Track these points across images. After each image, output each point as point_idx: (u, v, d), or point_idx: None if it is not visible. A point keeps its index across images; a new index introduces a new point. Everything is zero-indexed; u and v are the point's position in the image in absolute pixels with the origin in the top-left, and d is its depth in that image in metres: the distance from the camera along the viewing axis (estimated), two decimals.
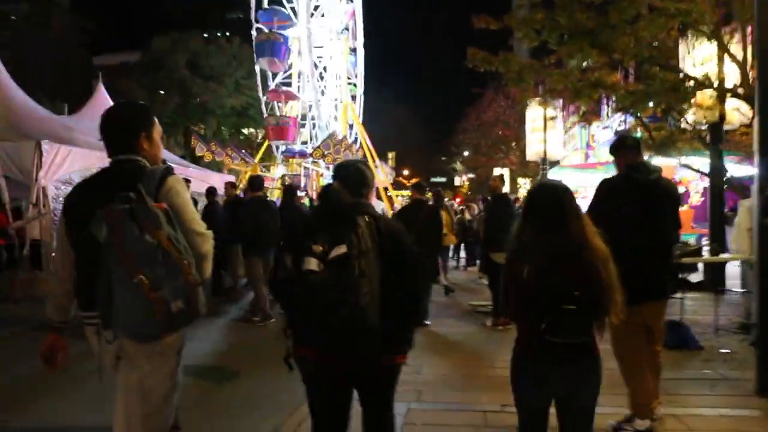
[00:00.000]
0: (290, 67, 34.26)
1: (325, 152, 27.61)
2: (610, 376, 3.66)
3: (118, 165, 2.92)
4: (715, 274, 11.93)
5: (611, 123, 24.28)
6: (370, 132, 39.48)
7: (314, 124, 34.82)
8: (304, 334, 2.99)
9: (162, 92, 43.61)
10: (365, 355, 2.94)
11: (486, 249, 9.50)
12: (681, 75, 10.84)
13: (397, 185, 50.00)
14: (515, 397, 3.16)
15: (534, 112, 21.57)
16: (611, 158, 4.92)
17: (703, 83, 10.59)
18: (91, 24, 74.09)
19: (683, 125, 11.96)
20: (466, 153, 54.53)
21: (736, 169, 22.31)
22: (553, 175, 22.79)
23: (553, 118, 21.41)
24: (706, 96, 12.00)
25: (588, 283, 2.83)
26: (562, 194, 3.03)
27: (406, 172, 61.76)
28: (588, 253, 2.89)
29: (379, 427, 3.23)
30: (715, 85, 10.74)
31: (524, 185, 46.89)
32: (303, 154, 31.54)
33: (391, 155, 52.52)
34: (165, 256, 2.53)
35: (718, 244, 12.98)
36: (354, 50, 38.69)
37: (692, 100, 12.00)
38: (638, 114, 12.71)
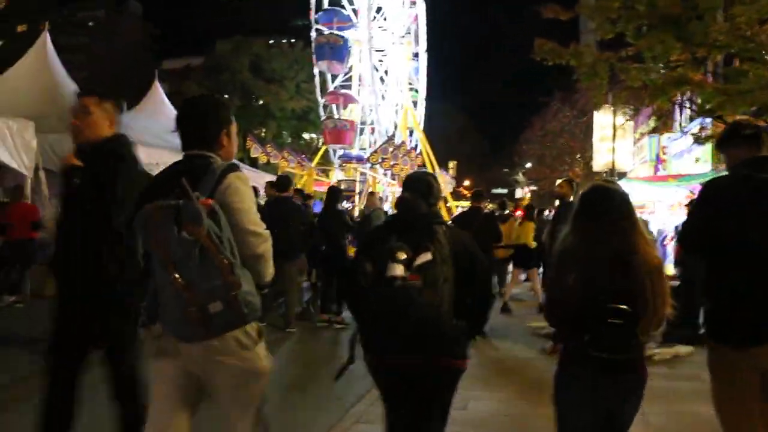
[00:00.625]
0: (350, 69, 33.56)
1: (383, 157, 26.77)
2: None
3: (188, 161, 2.80)
4: None
5: (687, 132, 22.64)
6: (431, 140, 38.51)
7: (373, 129, 33.97)
8: (378, 341, 3.07)
9: (225, 96, 43.68)
10: (436, 357, 3.01)
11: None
12: None
13: (457, 195, 48.77)
14: (557, 416, 2.95)
15: (603, 119, 20.16)
16: (685, 171, 3.74)
17: None
18: (159, 30, 75.61)
19: None
20: (528, 164, 52.98)
21: None
22: (623, 187, 21.39)
23: (623, 126, 19.97)
24: None
25: (636, 296, 2.69)
26: (616, 197, 2.92)
27: (467, 183, 60.42)
28: (639, 262, 2.74)
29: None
30: None
31: None
32: (360, 159, 30.66)
33: (452, 164, 51.23)
34: (203, 254, 2.42)
35: None
36: (416, 55, 37.75)
37: None
38: (723, 117, 11.38)
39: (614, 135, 19.60)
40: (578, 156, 44.60)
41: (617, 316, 2.66)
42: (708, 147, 21.16)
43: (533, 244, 11.46)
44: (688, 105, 12.50)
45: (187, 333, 2.55)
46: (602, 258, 2.76)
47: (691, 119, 20.00)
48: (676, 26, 8.93)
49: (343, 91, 33.62)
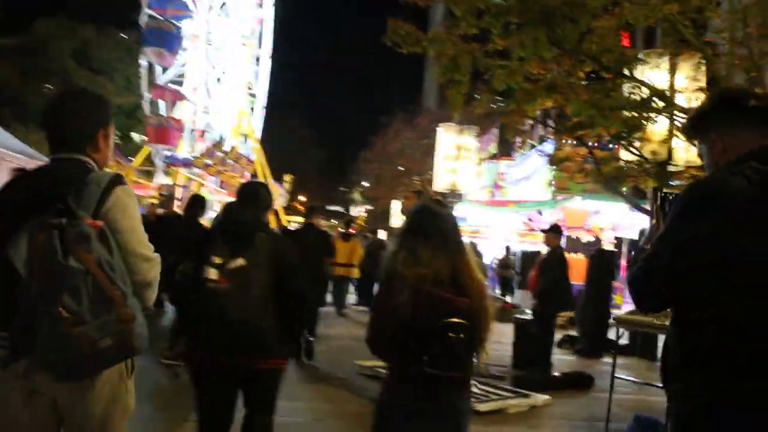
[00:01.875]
0: (184, 65, 30.36)
1: (208, 161, 24.25)
2: None
3: (59, 166, 2.39)
4: None
5: (530, 155, 22.24)
6: (268, 150, 36.31)
7: (203, 133, 30.95)
8: (196, 338, 3.30)
9: (44, 84, 38.65)
10: (252, 357, 3.25)
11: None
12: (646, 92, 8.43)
13: (292, 210, 46.81)
14: None
15: (447, 137, 19.06)
16: (526, 197, 2.49)
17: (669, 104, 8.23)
18: None
19: (646, 155, 9.66)
20: (366, 183, 52.11)
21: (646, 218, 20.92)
22: (459, 210, 20.38)
23: (466, 147, 18.99)
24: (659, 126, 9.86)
25: (471, 313, 2.64)
26: (444, 217, 2.84)
27: (302, 198, 58.58)
28: (467, 282, 2.71)
29: (258, 430, 3.53)
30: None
31: None
32: (187, 163, 27.48)
33: (287, 178, 48.99)
34: (93, 285, 2.14)
35: None
36: (258, 60, 35.41)
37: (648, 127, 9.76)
38: (582, 140, 10.32)
39: (458, 155, 18.46)
40: (415, 178, 44.32)
41: (457, 331, 2.57)
42: (549, 175, 20.88)
43: None
44: (549, 123, 11.29)
45: (68, 371, 2.25)
46: (432, 277, 2.65)
47: (541, 141, 19.35)
48: (550, 26, 7.58)
49: (173, 86, 30.16)
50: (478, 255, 16.89)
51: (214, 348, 3.19)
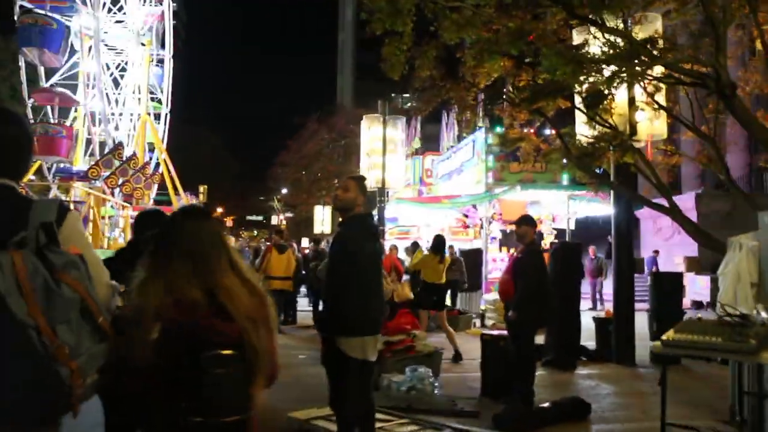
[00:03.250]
0: (74, 66, 26.79)
1: (104, 172, 21.26)
2: None
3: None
4: None
5: (459, 149, 20.42)
6: (177, 159, 33.34)
7: (103, 142, 27.50)
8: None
9: None
10: None
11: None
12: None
13: None
14: None
15: (372, 131, 17.05)
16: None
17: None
18: None
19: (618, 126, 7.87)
20: (284, 190, 49.60)
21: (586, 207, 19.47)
22: (390, 209, 18.35)
23: (393, 140, 17.00)
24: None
25: (241, 342, 2.11)
26: (193, 230, 2.25)
27: (219, 210, 55.27)
28: (233, 303, 2.14)
29: None
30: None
31: None
32: (83, 176, 23.69)
33: (202, 189, 45.76)
34: (83, 313, 1.98)
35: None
36: (161, 62, 32.33)
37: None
38: (542, 111, 8.48)
39: (384, 149, 16.47)
40: (336, 181, 42.24)
41: (219, 365, 2.04)
42: (482, 167, 19.20)
43: None
44: (505, 93, 9.35)
45: (42, 416, 1.94)
46: (187, 305, 2.08)
47: (472, 129, 17.50)
48: None
49: (60, 89, 26.38)
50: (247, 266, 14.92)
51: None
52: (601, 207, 18.10)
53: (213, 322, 2.10)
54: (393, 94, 37.61)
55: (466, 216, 18.89)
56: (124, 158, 20.81)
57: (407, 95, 19.89)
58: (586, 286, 19.08)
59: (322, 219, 41.85)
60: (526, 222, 7.09)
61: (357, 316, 4.23)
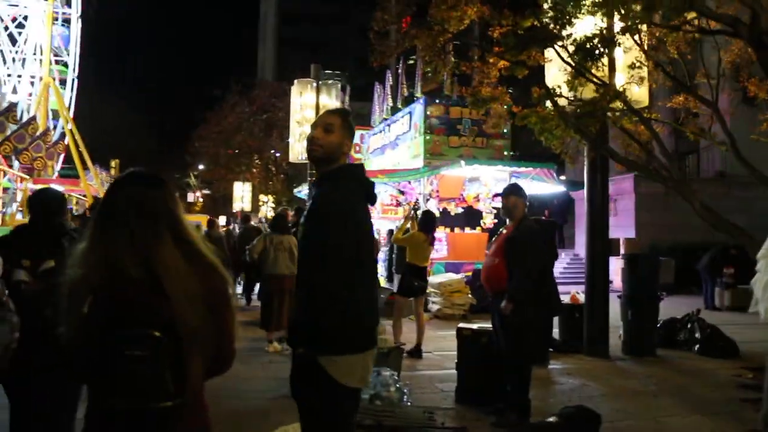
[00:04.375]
0: None
1: (18, 146, 18.77)
2: None
3: None
4: None
5: (393, 121, 18.89)
6: (85, 131, 30.35)
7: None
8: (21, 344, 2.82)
9: None
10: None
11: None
12: None
13: None
14: None
15: (304, 97, 15.29)
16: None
17: None
18: None
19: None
20: (201, 166, 46.78)
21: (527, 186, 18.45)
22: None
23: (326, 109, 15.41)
24: None
25: (173, 321, 1.85)
26: (130, 194, 1.99)
27: None
28: (163, 273, 1.89)
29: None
30: None
31: (267, 203, 40.70)
32: None
33: (114, 163, 42.38)
34: None
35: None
36: (67, 22, 29.09)
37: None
38: (526, 63, 7.09)
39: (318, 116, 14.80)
40: (255, 157, 40.01)
41: (140, 347, 1.80)
42: (419, 140, 17.80)
43: None
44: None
45: None
46: (120, 275, 1.86)
47: (409, 101, 15.99)
48: None
49: None
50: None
51: (36, 350, 2.93)
52: (544, 186, 17.12)
53: (143, 297, 1.85)
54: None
55: (402, 192, 17.49)
56: (20, 123, 18.15)
57: (337, 72, 18.08)
58: None
59: (242, 196, 39.73)
60: (515, 192, 5.68)
61: (356, 322, 2.69)
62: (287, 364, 2.87)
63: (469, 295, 12.51)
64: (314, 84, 14.93)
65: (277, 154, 39.17)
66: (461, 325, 6.66)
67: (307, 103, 15.16)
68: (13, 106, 19.47)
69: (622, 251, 19.82)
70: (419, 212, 9.75)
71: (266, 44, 59.79)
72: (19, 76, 26.57)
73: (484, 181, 17.33)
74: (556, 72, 7.85)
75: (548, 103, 7.66)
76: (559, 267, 22.10)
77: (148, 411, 1.84)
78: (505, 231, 5.70)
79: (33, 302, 2.87)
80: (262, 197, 41.06)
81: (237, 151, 39.83)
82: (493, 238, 5.88)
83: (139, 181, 2.03)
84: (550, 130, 7.81)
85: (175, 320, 1.84)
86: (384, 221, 19.18)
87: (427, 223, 8.63)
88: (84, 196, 27.14)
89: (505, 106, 8.41)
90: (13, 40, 26.48)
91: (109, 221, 1.96)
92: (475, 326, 6.36)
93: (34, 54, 26.47)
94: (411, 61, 19.78)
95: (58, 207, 3.48)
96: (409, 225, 9.09)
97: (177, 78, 64.86)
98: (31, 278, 3.07)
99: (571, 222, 24.90)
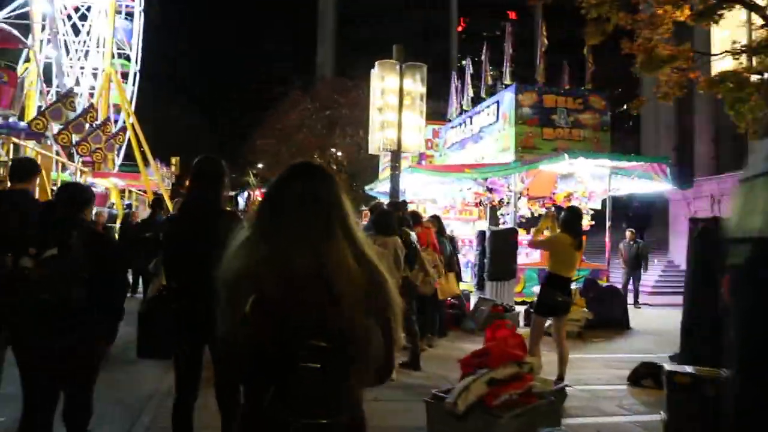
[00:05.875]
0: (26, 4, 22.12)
1: (75, 137, 17.45)
2: None
3: None
4: None
5: (476, 113, 16.85)
6: (146, 126, 29.28)
7: (57, 93, 22.90)
8: (20, 325, 3.32)
9: None
10: (71, 338, 3.29)
11: None
12: None
13: (180, 196, 39.47)
14: None
15: (386, 81, 13.43)
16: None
17: None
18: None
19: None
20: (260, 165, 45.51)
21: (629, 184, 16.17)
22: (406, 180, 14.69)
23: (410, 94, 13.40)
24: None
25: (344, 331, 1.70)
26: (310, 183, 1.86)
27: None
28: (344, 284, 1.73)
29: (81, 406, 3.54)
30: None
31: None
32: (13, 127, 18.18)
33: (174, 161, 41.42)
34: None
35: None
36: (131, 15, 27.97)
37: None
38: None
39: (401, 104, 12.89)
40: (315, 155, 38.51)
41: (312, 358, 1.66)
42: (510, 131, 15.76)
43: None
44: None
45: None
46: (290, 276, 1.70)
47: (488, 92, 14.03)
48: None
49: (4, 26, 21.63)
50: (446, 238, 11.40)
51: (34, 333, 3.25)
52: (649, 185, 14.86)
53: (313, 300, 1.67)
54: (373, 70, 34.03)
55: (490, 190, 15.41)
56: (79, 111, 16.75)
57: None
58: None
59: None
60: None
61: None
62: None
63: (585, 309, 10.40)
64: (398, 66, 13.01)
65: (339, 153, 37.63)
66: (670, 368, 4.60)
67: (390, 88, 13.20)
68: (71, 92, 18.15)
69: None
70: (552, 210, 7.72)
71: (324, 43, 58.48)
72: (82, 68, 25.52)
73: (579, 178, 15.18)
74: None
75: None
76: (653, 276, 19.72)
77: (313, 425, 1.67)
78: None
79: (34, 287, 3.15)
80: None
81: (294, 150, 38.46)
82: None
83: (309, 174, 1.87)
84: (746, 99, 5.74)
85: (345, 328, 1.68)
86: (458, 222, 17.23)
87: (573, 222, 6.59)
88: (143, 191, 26.01)
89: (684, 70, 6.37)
90: (76, 31, 25.43)
91: (277, 214, 1.81)
92: (690, 369, 4.32)
93: (97, 47, 25.37)
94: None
95: (79, 200, 3.65)
96: (548, 226, 7.03)
97: (236, 76, 63.93)
98: (35, 264, 3.19)
99: (662, 226, 22.44)
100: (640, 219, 21.88)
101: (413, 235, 7.18)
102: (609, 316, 11.07)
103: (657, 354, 8.46)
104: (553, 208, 8.04)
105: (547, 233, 7.01)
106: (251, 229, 1.83)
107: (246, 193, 48.40)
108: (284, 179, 1.89)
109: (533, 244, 7.07)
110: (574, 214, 6.69)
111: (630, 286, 15.38)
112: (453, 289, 9.25)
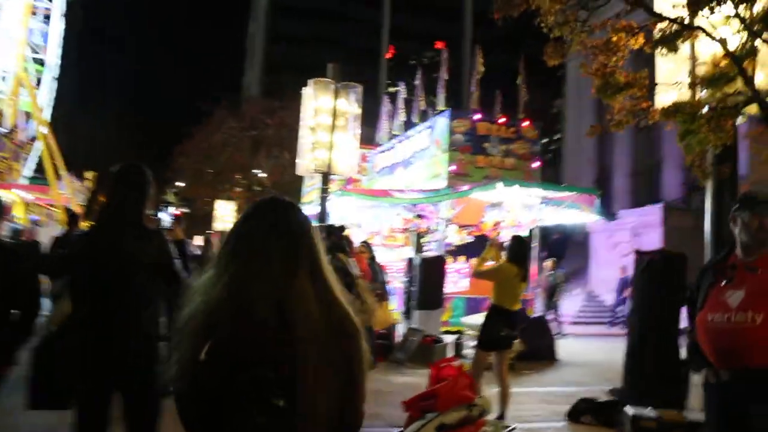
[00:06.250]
0: None
1: None
2: None
3: None
4: None
5: (406, 138, 16.59)
6: (60, 137, 27.69)
7: None
8: None
9: None
10: None
11: None
12: None
13: (92, 213, 37.44)
14: None
15: (319, 100, 12.95)
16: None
17: None
18: None
19: None
20: (180, 183, 43.90)
21: (555, 214, 16.25)
22: (337, 201, 14.19)
23: (344, 115, 12.96)
24: None
25: (293, 372, 1.53)
26: (280, 217, 1.73)
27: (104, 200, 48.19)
28: (294, 318, 1.57)
29: None
30: None
31: None
32: None
33: (89, 175, 39.41)
34: None
35: None
36: (48, 18, 26.38)
37: None
38: None
39: (334, 124, 12.44)
40: (239, 176, 37.48)
41: (265, 412, 1.49)
42: (442, 158, 15.54)
43: None
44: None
45: None
46: (252, 319, 1.55)
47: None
48: None
49: None
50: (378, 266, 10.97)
51: None
52: (576, 215, 14.98)
53: (267, 346, 1.52)
54: (302, 92, 33.65)
55: (420, 217, 15.10)
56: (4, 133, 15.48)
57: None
58: None
59: (224, 215, 37.05)
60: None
61: None
62: None
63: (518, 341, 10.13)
64: (333, 86, 12.60)
65: (262, 175, 36.81)
66: (634, 412, 4.27)
67: (323, 108, 12.75)
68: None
69: None
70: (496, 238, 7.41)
71: (253, 63, 57.64)
72: None
73: (508, 207, 15.12)
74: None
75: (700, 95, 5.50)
76: (575, 306, 19.91)
77: None
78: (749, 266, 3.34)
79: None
80: None
81: (222, 168, 37.36)
82: (713, 282, 3.52)
83: (277, 206, 1.76)
84: (696, 131, 5.63)
85: (297, 380, 1.50)
86: (384, 249, 16.81)
87: (520, 251, 6.28)
88: (52, 206, 24.43)
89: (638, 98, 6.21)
90: None
91: (243, 247, 1.67)
92: (652, 413, 4.00)
93: (7, 47, 23.69)
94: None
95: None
96: (492, 255, 6.68)
97: (160, 92, 62.07)
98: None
99: (581, 256, 22.77)
100: (557, 249, 22.15)
101: (352, 262, 6.71)
102: (538, 348, 10.87)
103: (590, 387, 8.32)
104: (499, 237, 7.75)
105: (489, 263, 6.67)
106: (216, 266, 1.68)
107: (171, 210, 46.31)
108: (251, 212, 1.77)
109: (477, 275, 6.70)
110: (521, 243, 6.40)
111: (549, 316, 15.37)
112: (388, 319, 8.81)
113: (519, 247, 6.32)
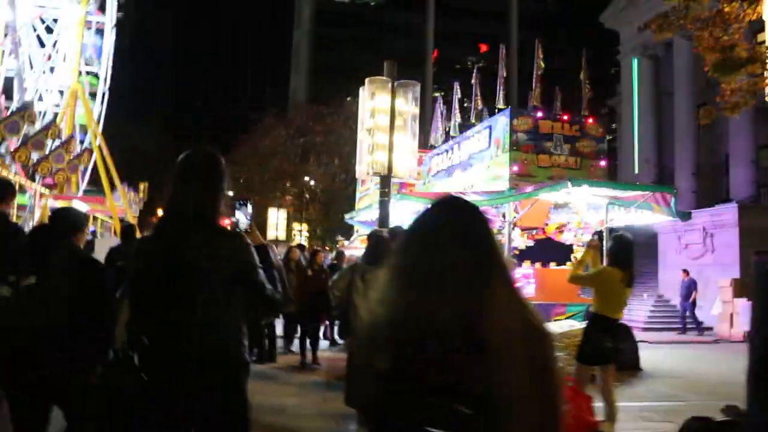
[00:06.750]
0: None
1: (35, 155, 16.14)
2: None
3: None
4: None
5: (467, 138, 15.95)
6: (115, 149, 27.85)
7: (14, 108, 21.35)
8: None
9: None
10: (54, 371, 3.01)
11: None
12: None
13: (147, 225, 37.76)
14: None
15: (377, 99, 12.43)
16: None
17: None
18: None
19: None
20: (231, 192, 44.07)
21: (624, 216, 15.36)
22: (396, 204, 13.62)
23: (402, 115, 12.40)
24: None
25: (491, 391, 1.39)
26: (468, 219, 1.57)
27: (161, 211, 48.61)
28: (489, 331, 1.42)
29: None
30: None
31: (301, 231, 37.83)
32: None
33: (143, 186, 39.81)
34: None
35: None
36: (101, 31, 26.59)
37: None
38: None
39: (392, 125, 11.89)
40: (288, 183, 37.33)
41: (445, 423, 1.37)
42: (503, 158, 14.85)
43: None
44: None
45: None
46: (429, 328, 1.42)
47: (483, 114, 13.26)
48: None
49: None
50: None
51: (18, 363, 3.00)
52: (647, 216, 14.05)
53: (455, 360, 1.38)
54: (348, 98, 33.32)
55: None
56: (40, 129, 15.38)
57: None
58: None
59: (276, 223, 37.01)
60: None
61: None
62: None
63: None
64: (390, 84, 12.07)
65: (312, 182, 36.59)
66: None
67: (381, 108, 12.24)
68: (29, 104, 16.74)
69: (731, 295, 16.51)
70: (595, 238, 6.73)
71: (299, 70, 57.77)
72: (47, 89, 24.06)
73: (574, 209, 14.32)
74: None
75: None
76: (644, 311, 18.89)
77: None
78: None
79: (7, 318, 2.94)
80: (296, 225, 38.31)
81: (266, 176, 37.27)
82: None
83: (460, 208, 1.60)
84: None
85: (494, 392, 1.38)
86: None
87: (624, 253, 5.59)
88: (110, 217, 24.53)
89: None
90: (41, 43, 23.98)
91: (424, 254, 1.51)
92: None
93: (64, 62, 23.92)
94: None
95: (65, 226, 3.45)
96: (590, 258, 5.99)
97: (208, 102, 62.68)
98: (12, 294, 2.99)
99: (649, 258, 21.70)
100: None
101: None
102: (621, 357, 10.09)
103: (687, 402, 7.81)
104: (596, 238, 7.08)
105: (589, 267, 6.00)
106: (391, 272, 1.56)
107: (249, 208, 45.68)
108: (432, 213, 1.64)
109: (574, 280, 6.03)
110: (625, 243, 5.70)
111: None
112: None
113: (623, 248, 5.63)
